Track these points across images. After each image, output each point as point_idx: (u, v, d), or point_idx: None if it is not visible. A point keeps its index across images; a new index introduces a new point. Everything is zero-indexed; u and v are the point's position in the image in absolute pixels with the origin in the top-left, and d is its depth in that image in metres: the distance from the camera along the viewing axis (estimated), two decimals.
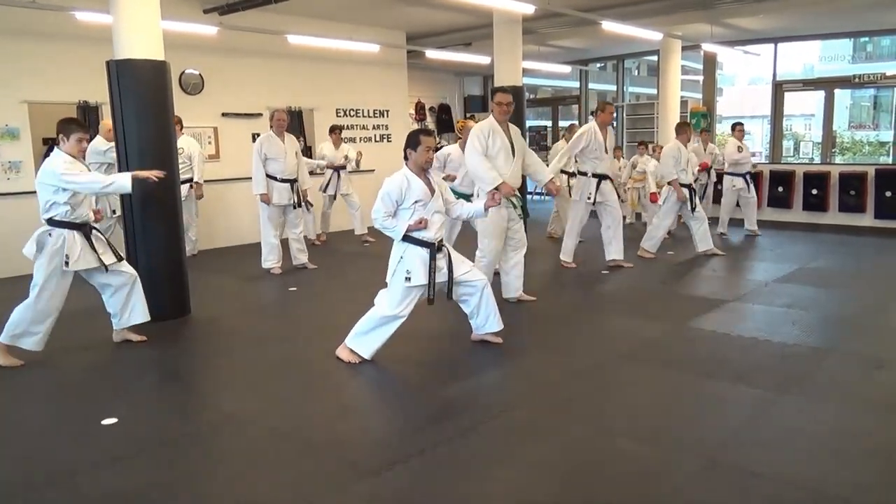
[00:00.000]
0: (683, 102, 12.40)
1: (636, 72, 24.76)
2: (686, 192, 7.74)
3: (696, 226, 7.85)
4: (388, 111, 11.91)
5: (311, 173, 8.58)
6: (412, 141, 4.26)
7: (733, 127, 9.64)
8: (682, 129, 8.01)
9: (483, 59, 11.34)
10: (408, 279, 4.16)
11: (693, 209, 7.78)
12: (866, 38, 22.53)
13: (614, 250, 7.20)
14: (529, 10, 8.03)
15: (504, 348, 4.59)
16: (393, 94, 12.02)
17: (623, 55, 14.67)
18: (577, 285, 6.77)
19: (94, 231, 4.59)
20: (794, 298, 5.78)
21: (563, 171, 8.58)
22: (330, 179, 9.35)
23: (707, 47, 11.71)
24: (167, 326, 5.27)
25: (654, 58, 13.15)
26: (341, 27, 10.39)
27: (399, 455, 3.08)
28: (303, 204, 7.40)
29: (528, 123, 16.40)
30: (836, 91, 12.89)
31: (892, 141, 13.79)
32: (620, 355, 4.47)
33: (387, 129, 11.78)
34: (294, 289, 6.76)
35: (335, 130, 9.44)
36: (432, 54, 11.55)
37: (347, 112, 11.22)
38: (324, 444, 3.26)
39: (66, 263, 4.38)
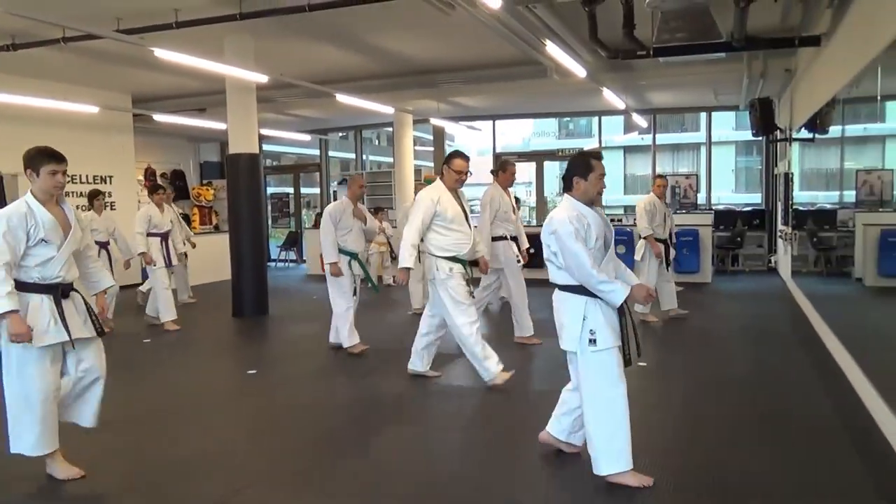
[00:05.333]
0: (418, 171, 13.20)
1: (377, 141, 25.99)
2: (661, 247, 7.45)
3: (663, 286, 7.58)
4: (111, 177, 10.99)
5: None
6: (582, 167, 3.30)
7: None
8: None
9: (218, 126, 11.05)
10: (592, 342, 3.22)
11: (667, 266, 7.57)
12: (568, 118, 26.44)
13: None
14: (262, 79, 8.04)
15: None
16: (117, 159, 11.16)
17: (361, 126, 15.32)
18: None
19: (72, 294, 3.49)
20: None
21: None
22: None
23: (435, 121, 12.74)
24: None
25: (391, 129, 13.89)
26: (53, 86, 9.45)
27: None
28: None
29: (270, 191, 16.29)
30: (546, 163, 14.71)
31: None
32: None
33: (110, 196, 10.83)
34: None
35: (157, 191, 8.06)
36: (162, 118, 10.97)
37: None
38: None
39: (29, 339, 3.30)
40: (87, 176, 10.59)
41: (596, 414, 3.26)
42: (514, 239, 6.51)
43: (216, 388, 5.48)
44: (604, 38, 6.68)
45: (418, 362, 5.34)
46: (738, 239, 12.02)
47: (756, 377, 5.32)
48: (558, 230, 3.21)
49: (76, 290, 3.52)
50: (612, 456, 3.23)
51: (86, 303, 3.54)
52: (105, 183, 10.86)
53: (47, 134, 9.74)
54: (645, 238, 7.40)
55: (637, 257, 7.52)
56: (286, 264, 15.27)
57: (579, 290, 3.26)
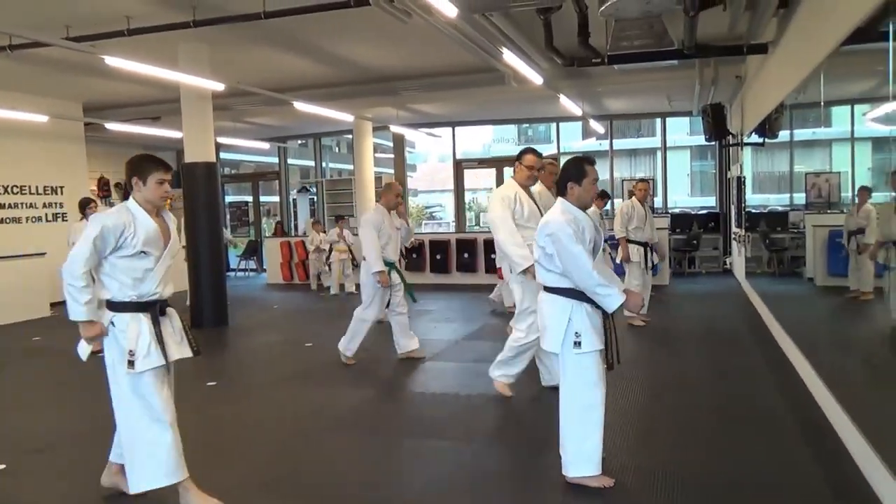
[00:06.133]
0: (378, 178, 13.17)
1: (337, 149, 25.86)
2: (641, 250, 7.50)
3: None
4: (62, 188, 10.72)
5: None
6: (576, 172, 3.33)
7: None
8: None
9: (173, 134, 10.86)
10: (577, 344, 3.23)
11: (648, 269, 7.62)
12: (527, 125, 26.71)
13: None
14: (218, 87, 7.94)
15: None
16: (68, 169, 10.91)
17: (320, 133, 15.24)
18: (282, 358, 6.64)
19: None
20: (480, 353, 6.33)
21: None
22: None
23: (394, 129, 12.73)
24: None
25: (351, 136, 13.83)
26: (1, 95, 9.19)
27: None
28: None
29: (229, 199, 16.08)
30: (506, 169, 14.78)
31: None
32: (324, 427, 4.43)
33: (61, 206, 10.57)
34: None
35: (90, 205, 7.92)
36: (115, 127, 10.74)
37: (9, 189, 9.84)
38: None
39: (131, 364, 3.03)
40: (37, 187, 10.31)
41: (571, 415, 3.30)
42: None
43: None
44: (559, 46, 6.79)
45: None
46: (695, 241, 12.28)
47: (712, 375, 5.44)
48: (556, 233, 3.21)
49: (170, 307, 3.25)
50: (583, 458, 3.26)
51: (181, 320, 3.28)
52: (56, 194, 10.60)
53: None
54: (618, 240, 7.47)
55: (619, 260, 7.52)
56: (246, 273, 15.07)
57: (566, 292, 3.28)
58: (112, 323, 3.07)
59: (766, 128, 7.14)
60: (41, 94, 9.97)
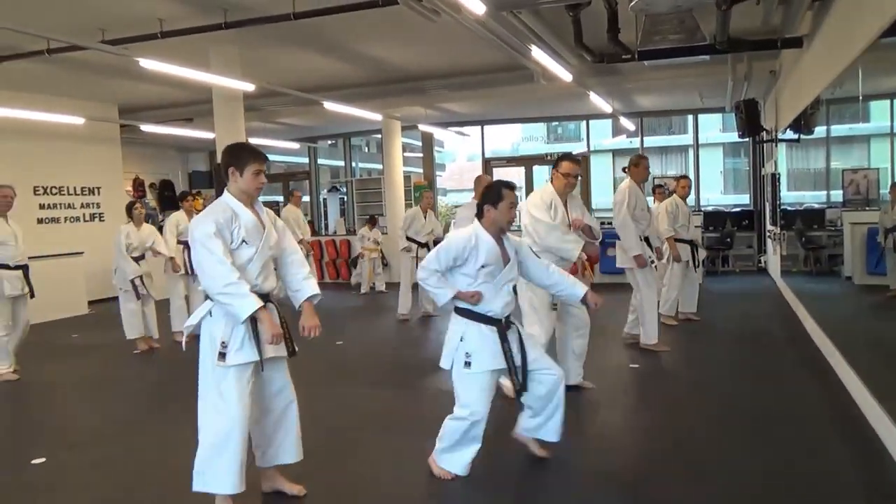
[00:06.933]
0: (407, 177, 13.21)
1: (366, 148, 25.98)
2: (688, 248, 7.30)
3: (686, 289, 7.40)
4: (99, 188, 10.94)
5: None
6: (493, 195, 3.41)
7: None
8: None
9: (206, 135, 11.01)
10: (468, 364, 3.33)
11: (696, 266, 7.42)
12: (556, 123, 26.55)
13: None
14: (248, 87, 8.03)
15: None
16: (105, 170, 11.11)
17: (349, 133, 15.32)
18: None
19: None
20: None
21: None
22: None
23: (423, 128, 12.75)
24: None
25: (380, 136, 13.89)
26: (38, 98, 9.42)
27: None
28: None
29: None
30: (535, 167, 14.72)
31: None
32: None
33: (98, 207, 10.79)
34: None
35: (187, 198, 7.99)
36: (149, 128, 10.94)
37: (48, 190, 10.07)
38: None
39: (223, 357, 2.97)
40: (74, 187, 10.53)
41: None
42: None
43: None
44: (589, 43, 6.72)
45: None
46: (728, 240, 12.08)
47: (747, 374, 5.34)
48: (442, 243, 3.44)
49: (272, 303, 3.16)
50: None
51: (281, 317, 3.17)
52: (93, 194, 10.82)
53: (33, 147, 9.80)
54: (666, 240, 7.08)
55: (663, 260, 7.22)
56: None
57: (461, 311, 3.41)
58: (210, 313, 3.04)
59: (802, 123, 6.99)
60: (78, 97, 10.19)
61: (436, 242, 8.26)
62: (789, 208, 8.74)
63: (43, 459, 4.00)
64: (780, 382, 5.07)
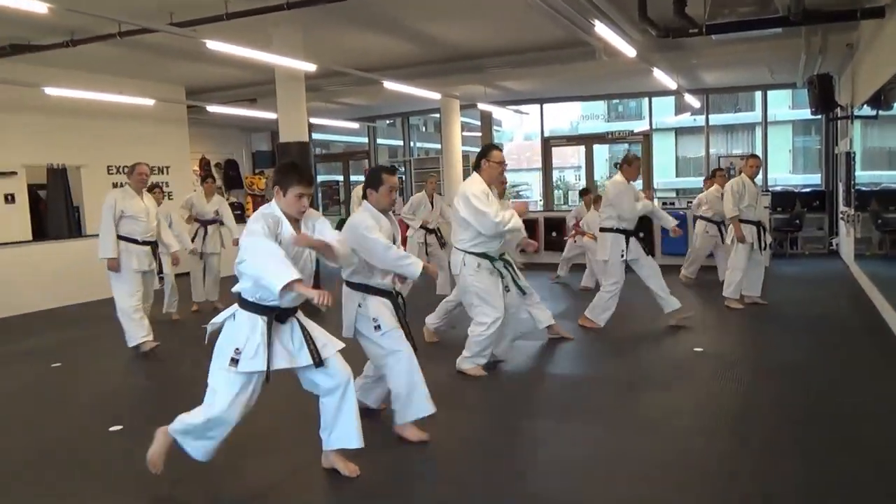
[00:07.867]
0: (465, 157, 13.17)
1: (423, 128, 26.02)
2: (754, 229, 7.10)
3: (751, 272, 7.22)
4: (168, 167, 11.31)
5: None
6: (373, 179, 3.93)
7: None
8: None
9: (269, 115, 11.21)
10: (377, 328, 3.84)
11: (762, 249, 7.25)
12: (617, 101, 25.99)
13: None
14: (310, 68, 8.12)
15: None
16: (173, 150, 11.46)
17: (408, 112, 15.35)
18: None
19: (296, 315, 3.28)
20: (570, 332, 6.24)
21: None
22: (196, 234, 8.25)
23: (482, 106, 12.67)
24: None
25: (438, 115, 13.87)
26: (110, 80, 9.75)
27: None
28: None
29: (320, 178, 16.50)
30: (595, 146, 14.48)
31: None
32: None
33: (167, 186, 11.15)
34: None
35: (207, 180, 8.79)
36: (215, 109, 11.21)
37: (121, 169, 10.45)
38: None
39: (235, 363, 3.09)
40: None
41: (398, 373, 3.79)
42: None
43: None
44: (654, 17, 6.53)
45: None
46: (797, 221, 11.64)
47: (817, 362, 5.16)
48: (358, 227, 3.81)
49: (295, 316, 3.26)
50: (413, 404, 3.78)
51: (304, 328, 3.23)
52: (162, 174, 11.17)
53: (105, 127, 10.17)
54: (730, 220, 7.04)
55: (728, 241, 7.15)
56: None
57: (356, 286, 3.86)
58: (233, 316, 3.15)
59: (881, 99, 6.64)
60: (147, 79, 10.51)
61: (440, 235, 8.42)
62: (864, 189, 8.36)
63: (120, 427, 4.20)
64: (851, 371, 4.90)
